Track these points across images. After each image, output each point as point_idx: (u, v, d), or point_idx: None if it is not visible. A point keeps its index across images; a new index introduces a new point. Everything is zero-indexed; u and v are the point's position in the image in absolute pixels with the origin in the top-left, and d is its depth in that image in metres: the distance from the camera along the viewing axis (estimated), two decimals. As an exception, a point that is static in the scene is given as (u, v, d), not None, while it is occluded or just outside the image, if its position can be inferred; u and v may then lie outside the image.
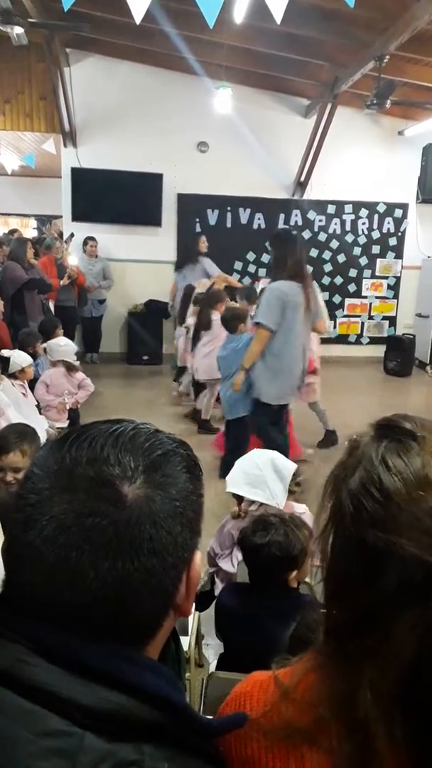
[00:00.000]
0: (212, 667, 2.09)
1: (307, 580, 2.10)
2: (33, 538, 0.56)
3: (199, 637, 2.50)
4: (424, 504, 0.60)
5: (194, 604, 2.15)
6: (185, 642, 2.06)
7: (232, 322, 4.54)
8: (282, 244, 4.02)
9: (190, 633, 2.15)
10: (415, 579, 0.58)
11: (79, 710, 0.51)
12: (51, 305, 7.00)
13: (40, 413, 4.50)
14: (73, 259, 7.31)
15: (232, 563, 2.50)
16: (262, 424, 4.07)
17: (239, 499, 2.53)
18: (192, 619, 2.20)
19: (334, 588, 0.67)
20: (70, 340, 5.15)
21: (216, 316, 5.30)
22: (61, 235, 8.63)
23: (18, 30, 4.73)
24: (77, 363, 5.09)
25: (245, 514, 2.51)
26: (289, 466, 2.48)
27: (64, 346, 4.81)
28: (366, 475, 0.64)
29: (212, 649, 2.53)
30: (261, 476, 2.42)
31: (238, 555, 2.44)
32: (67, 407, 4.72)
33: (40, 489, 0.58)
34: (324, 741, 0.61)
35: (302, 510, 2.53)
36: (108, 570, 0.55)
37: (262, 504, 2.43)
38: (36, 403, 4.49)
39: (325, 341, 8.04)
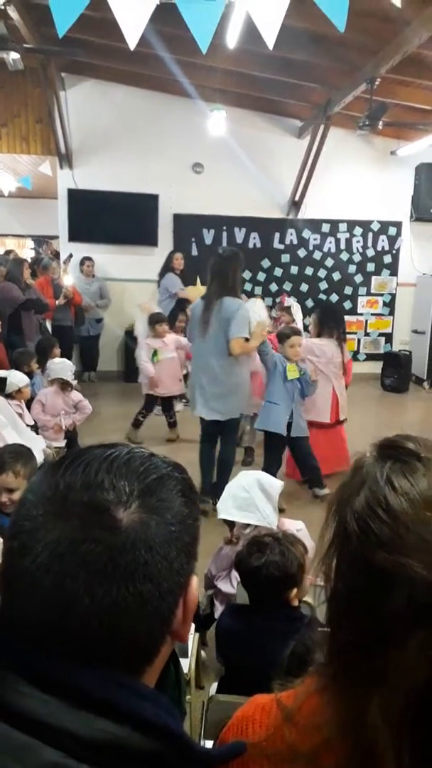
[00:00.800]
0: (213, 690, 2.06)
1: (309, 600, 2.08)
2: (28, 565, 0.56)
3: (199, 659, 2.47)
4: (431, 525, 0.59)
5: (194, 626, 2.12)
6: (185, 664, 2.03)
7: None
8: (227, 262, 4.16)
9: (190, 655, 2.12)
10: (424, 600, 0.57)
11: (75, 741, 0.50)
12: (48, 325, 7.02)
13: (37, 433, 4.49)
14: (69, 278, 7.35)
15: (231, 584, 2.48)
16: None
17: (230, 524, 2.52)
18: (192, 642, 2.18)
19: (339, 609, 0.66)
20: (67, 359, 5.15)
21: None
22: (57, 255, 8.69)
23: (14, 55, 4.80)
24: (75, 382, 5.09)
25: (237, 540, 2.49)
26: (275, 484, 2.48)
27: (59, 364, 4.83)
28: (372, 496, 0.63)
29: (213, 672, 2.49)
30: (249, 498, 2.41)
31: (236, 575, 2.42)
32: (63, 428, 4.70)
33: (35, 515, 0.57)
34: (328, 765, 0.60)
35: (299, 527, 2.52)
36: (103, 596, 0.55)
37: (256, 526, 2.42)
38: (33, 422, 4.48)
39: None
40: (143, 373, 5.72)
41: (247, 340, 4.02)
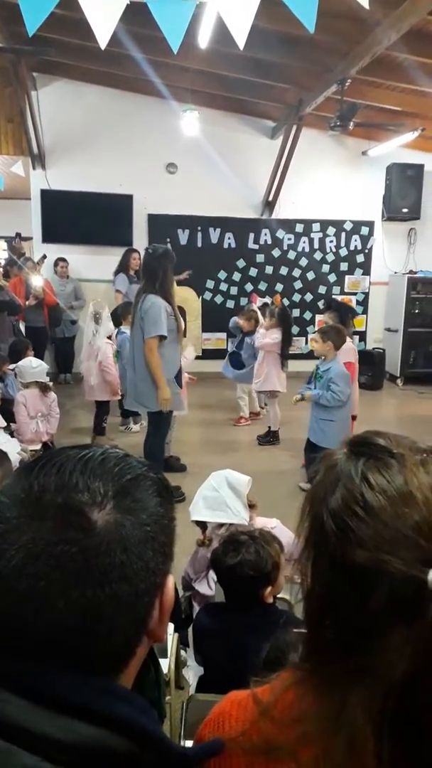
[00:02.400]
0: (192, 690, 2.06)
1: (287, 597, 2.10)
2: (1, 568, 0.55)
3: (179, 660, 2.46)
4: (410, 520, 0.60)
5: (173, 627, 2.12)
6: (164, 664, 2.03)
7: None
8: (158, 261, 4.22)
9: (169, 655, 2.12)
10: (404, 596, 0.57)
11: (51, 745, 0.50)
12: (22, 326, 6.94)
13: (12, 436, 4.44)
14: (39, 279, 7.25)
15: (209, 585, 2.48)
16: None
17: (203, 526, 2.52)
18: (171, 642, 2.18)
19: (319, 608, 0.66)
20: (41, 361, 5.09)
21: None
22: (22, 255, 8.60)
23: (-16, 54, 4.74)
24: (51, 384, 5.05)
25: (210, 541, 2.49)
26: (241, 480, 2.48)
27: (37, 367, 4.76)
28: (348, 494, 0.63)
29: (192, 671, 2.49)
30: (219, 497, 2.41)
31: (213, 576, 2.42)
32: (45, 436, 4.68)
33: (8, 518, 0.57)
34: (306, 758, 0.61)
35: (274, 524, 2.53)
36: (78, 598, 0.54)
37: (231, 524, 2.42)
38: (5, 425, 4.43)
39: (297, 357, 8.15)
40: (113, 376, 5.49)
41: (162, 338, 4.09)
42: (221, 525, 2.45)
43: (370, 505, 0.61)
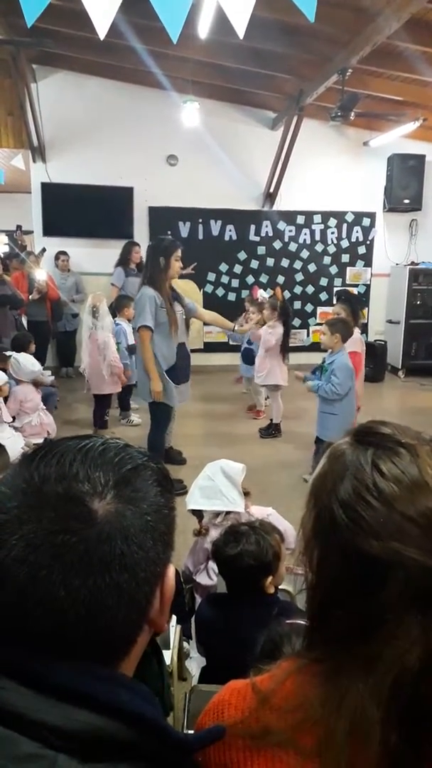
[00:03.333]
0: (195, 681, 2.07)
1: (289, 588, 2.10)
2: (2, 558, 0.55)
3: (182, 651, 2.48)
4: (424, 509, 0.60)
5: (175, 618, 2.13)
6: (167, 656, 2.04)
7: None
8: (149, 251, 4.28)
9: (171, 647, 2.13)
10: (419, 585, 0.57)
11: (51, 732, 0.51)
12: (24, 320, 6.94)
13: (16, 430, 4.45)
14: (41, 273, 7.24)
15: (209, 576, 2.49)
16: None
17: (199, 516, 2.54)
18: (173, 633, 2.19)
19: (324, 599, 0.66)
20: (34, 357, 5.06)
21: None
22: (24, 248, 8.57)
23: (-18, 47, 4.72)
24: (52, 378, 5.07)
25: (207, 531, 2.51)
26: (236, 468, 2.49)
27: (36, 370, 4.79)
28: (359, 484, 0.63)
29: (195, 662, 2.51)
30: (214, 485, 2.43)
31: (213, 566, 2.43)
32: (48, 431, 4.71)
33: (9, 508, 0.57)
34: (306, 744, 0.61)
35: (269, 512, 2.55)
36: (79, 588, 0.55)
37: (228, 513, 2.44)
38: (10, 420, 4.43)
39: (299, 349, 8.14)
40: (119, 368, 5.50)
41: (150, 329, 4.13)
42: (218, 514, 2.46)
43: (383, 494, 0.61)
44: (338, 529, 0.63)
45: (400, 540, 0.58)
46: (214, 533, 2.47)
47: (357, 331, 4.83)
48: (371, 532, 0.60)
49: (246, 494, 2.49)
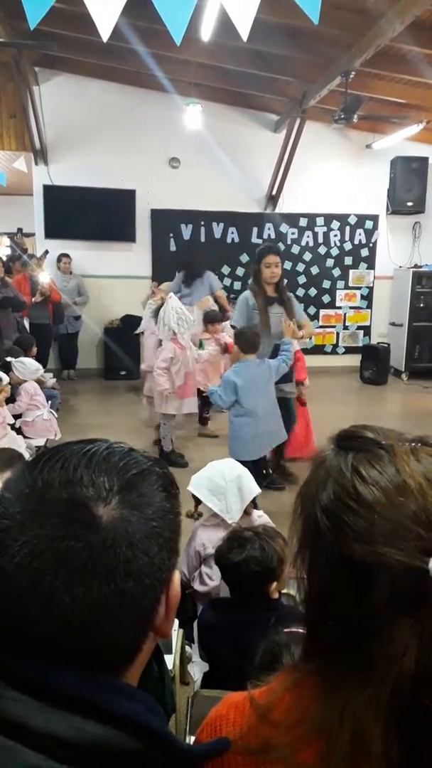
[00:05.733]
0: (197, 686, 2.06)
1: (292, 592, 2.09)
2: (5, 564, 0.54)
3: (184, 656, 2.47)
4: (406, 510, 0.59)
5: (178, 623, 2.12)
6: (169, 661, 2.03)
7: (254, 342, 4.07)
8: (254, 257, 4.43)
9: (174, 651, 2.12)
10: (406, 587, 0.57)
11: (56, 743, 0.50)
12: (26, 323, 6.94)
13: (19, 432, 4.45)
14: (45, 276, 7.26)
15: (202, 581, 2.47)
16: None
17: (197, 501, 2.53)
18: (176, 637, 2.18)
19: (318, 607, 0.66)
20: (35, 361, 5.10)
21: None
22: (25, 251, 8.59)
23: (-14, 49, 4.73)
24: (54, 380, 5.08)
25: (199, 515, 2.55)
26: (253, 490, 2.50)
27: (37, 370, 4.87)
28: (340, 489, 0.63)
29: (197, 667, 2.50)
30: (223, 488, 2.43)
31: (207, 571, 2.42)
32: (54, 430, 4.75)
33: (12, 513, 0.56)
34: (306, 759, 0.60)
35: (260, 513, 2.57)
36: (83, 594, 0.54)
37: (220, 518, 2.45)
38: (12, 422, 4.44)
39: (301, 352, 8.12)
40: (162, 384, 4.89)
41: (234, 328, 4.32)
42: (215, 515, 2.46)
43: (364, 498, 0.61)
44: (323, 535, 0.63)
45: (384, 543, 0.58)
46: (204, 536, 2.47)
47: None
48: (354, 536, 0.60)
49: (246, 513, 2.49)
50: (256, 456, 3.94)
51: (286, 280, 5.18)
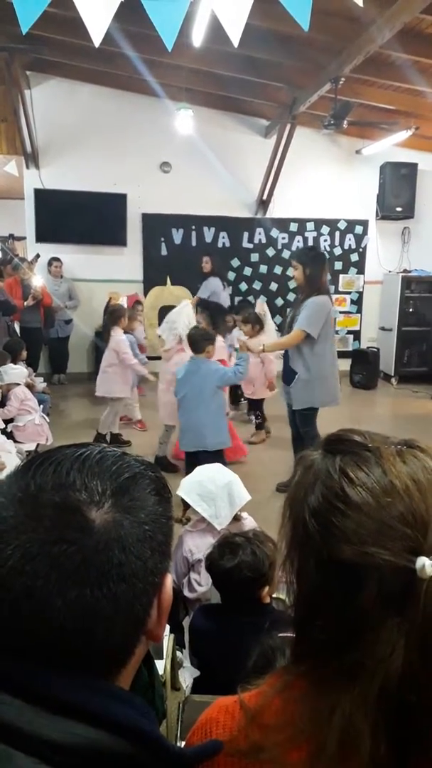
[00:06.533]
0: (188, 691, 2.05)
1: (282, 596, 2.09)
2: None
3: (175, 661, 2.46)
4: (393, 510, 0.60)
5: (169, 627, 2.11)
6: (160, 666, 2.02)
7: (200, 342, 4.25)
8: (313, 262, 4.61)
9: (165, 656, 2.11)
10: (394, 587, 0.57)
11: (48, 747, 0.50)
12: (17, 327, 6.91)
13: (9, 437, 4.43)
14: (38, 279, 7.24)
15: (191, 587, 2.46)
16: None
17: (186, 505, 2.53)
18: (167, 642, 2.17)
19: (307, 610, 0.66)
20: (23, 365, 5.13)
21: (115, 333, 5.52)
22: (16, 255, 8.56)
23: (-24, 53, 4.72)
24: (44, 384, 5.06)
25: (187, 520, 2.53)
26: (243, 496, 2.49)
27: (14, 372, 4.86)
28: (328, 491, 0.63)
29: (188, 672, 2.49)
30: (213, 493, 2.43)
31: (196, 577, 2.42)
32: (45, 434, 4.73)
33: (5, 517, 0.56)
34: (295, 761, 0.60)
35: (245, 516, 2.56)
36: (76, 598, 0.54)
37: (207, 523, 2.44)
38: (2, 426, 4.42)
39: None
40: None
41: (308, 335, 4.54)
42: (204, 520, 2.46)
43: (351, 500, 0.61)
44: (311, 538, 0.63)
45: (371, 543, 0.59)
46: (190, 542, 2.46)
47: (219, 339, 4.91)
48: (342, 537, 0.60)
49: (236, 519, 2.49)
50: (183, 447, 4.25)
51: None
